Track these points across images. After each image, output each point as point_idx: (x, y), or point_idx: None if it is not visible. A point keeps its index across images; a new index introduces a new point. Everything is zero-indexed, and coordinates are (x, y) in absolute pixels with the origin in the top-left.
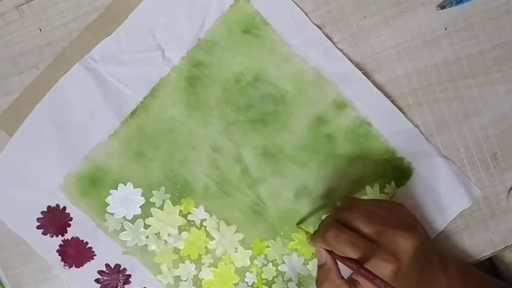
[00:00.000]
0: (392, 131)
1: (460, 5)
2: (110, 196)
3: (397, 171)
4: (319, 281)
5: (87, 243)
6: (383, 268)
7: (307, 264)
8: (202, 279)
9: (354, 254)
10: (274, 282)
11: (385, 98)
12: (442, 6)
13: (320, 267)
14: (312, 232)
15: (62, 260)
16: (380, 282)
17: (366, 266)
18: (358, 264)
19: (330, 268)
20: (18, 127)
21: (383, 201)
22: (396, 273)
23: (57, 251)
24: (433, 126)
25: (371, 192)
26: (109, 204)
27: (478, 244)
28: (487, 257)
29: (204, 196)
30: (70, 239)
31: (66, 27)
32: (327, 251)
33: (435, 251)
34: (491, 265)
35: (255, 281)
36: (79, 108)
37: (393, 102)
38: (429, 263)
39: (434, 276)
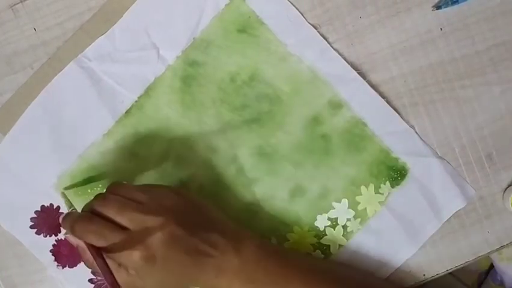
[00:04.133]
0: (387, 131)
1: (456, 5)
2: None
3: (392, 172)
4: (83, 260)
5: None
6: (131, 256)
7: None
8: None
9: (101, 244)
10: None
11: (380, 98)
12: (438, 7)
13: (76, 248)
14: None
15: (56, 260)
16: (109, 277)
17: (116, 254)
18: (99, 254)
19: (84, 248)
20: (12, 126)
21: (145, 186)
22: (147, 259)
23: (50, 251)
24: (428, 127)
25: (366, 192)
26: None
27: (473, 244)
28: (482, 257)
29: (198, 196)
30: (63, 238)
31: (60, 27)
32: None
33: (221, 230)
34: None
35: None
36: (73, 107)
37: (388, 102)
38: (211, 243)
39: (217, 257)
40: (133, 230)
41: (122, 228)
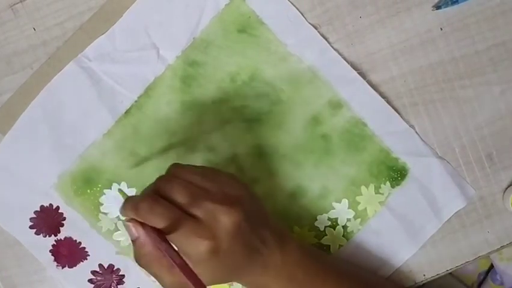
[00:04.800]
0: (387, 131)
1: (456, 5)
2: (104, 196)
3: (392, 172)
4: (136, 257)
5: (80, 243)
6: (197, 245)
7: None
8: None
9: (167, 228)
10: None
11: (380, 98)
12: (438, 7)
13: (133, 242)
14: None
15: (55, 260)
16: (180, 263)
17: (182, 242)
18: (165, 240)
19: (143, 242)
20: (12, 126)
21: (210, 171)
22: (213, 251)
23: (50, 251)
24: (428, 127)
25: (366, 192)
26: (102, 204)
27: (474, 244)
28: (482, 257)
29: None
30: (63, 239)
31: (60, 27)
32: (140, 223)
33: (271, 227)
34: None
35: None
36: (72, 107)
37: (388, 102)
38: (262, 239)
39: (265, 255)
40: (199, 218)
41: (188, 215)
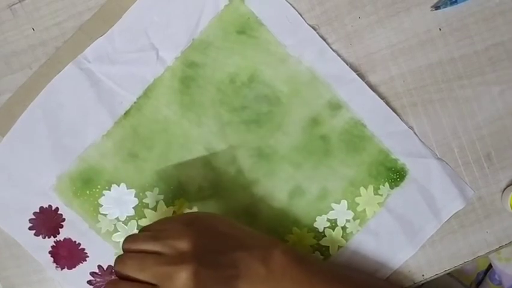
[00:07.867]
0: (387, 132)
1: (455, 5)
2: (103, 197)
3: (391, 173)
4: None
5: (79, 244)
6: None
7: None
8: None
9: None
10: None
11: (379, 99)
12: (437, 7)
13: None
14: None
15: (54, 261)
16: None
17: None
18: None
19: None
20: (11, 127)
21: (158, 228)
22: None
23: (49, 252)
24: (427, 127)
25: (365, 194)
26: (102, 205)
27: (473, 244)
28: (481, 257)
29: (197, 197)
30: (62, 240)
31: (59, 27)
32: None
33: (244, 242)
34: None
35: None
36: (72, 108)
37: (387, 103)
38: (234, 264)
39: (244, 274)
40: (161, 285)
41: (150, 284)
